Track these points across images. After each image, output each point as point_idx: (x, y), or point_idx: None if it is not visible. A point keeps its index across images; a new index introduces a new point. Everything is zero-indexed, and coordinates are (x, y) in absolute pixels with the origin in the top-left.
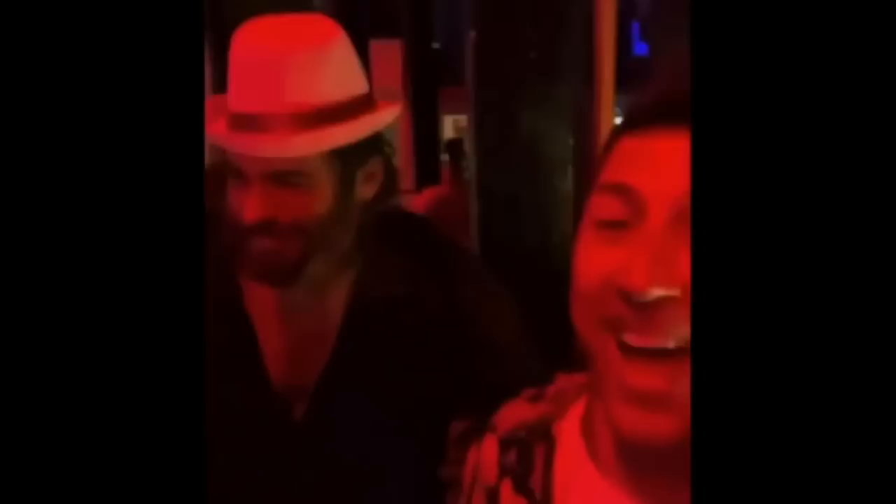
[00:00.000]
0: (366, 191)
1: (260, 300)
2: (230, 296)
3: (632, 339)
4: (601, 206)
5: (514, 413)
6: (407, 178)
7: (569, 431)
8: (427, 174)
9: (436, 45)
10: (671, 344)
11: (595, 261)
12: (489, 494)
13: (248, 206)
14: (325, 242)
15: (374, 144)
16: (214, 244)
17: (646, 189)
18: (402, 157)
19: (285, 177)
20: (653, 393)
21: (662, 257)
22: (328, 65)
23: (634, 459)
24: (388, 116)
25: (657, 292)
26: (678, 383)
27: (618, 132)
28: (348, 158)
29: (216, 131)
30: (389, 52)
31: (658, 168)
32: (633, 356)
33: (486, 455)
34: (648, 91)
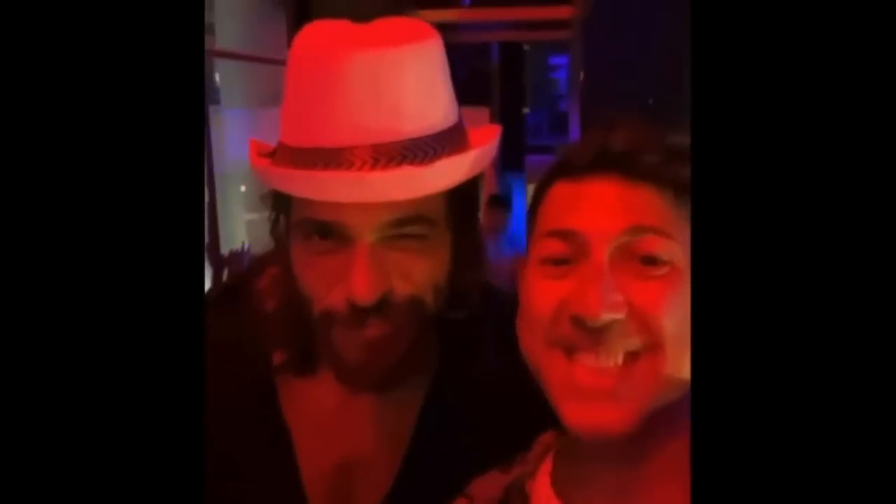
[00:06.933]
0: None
1: (311, 405)
2: (260, 397)
3: (584, 361)
4: (547, 247)
5: (490, 481)
6: None
7: (540, 487)
8: None
9: (526, 110)
10: (620, 360)
11: (547, 291)
12: None
13: (359, 279)
14: (430, 323)
15: (477, 184)
16: (231, 328)
17: (586, 230)
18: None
19: (402, 229)
20: (599, 390)
21: (609, 287)
22: (443, 77)
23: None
24: (494, 142)
25: (607, 316)
26: (623, 382)
27: (548, 181)
28: (462, 200)
29: (286, 176)
30: (478, 119)
31: (596, 211)
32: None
33: None
34: (581, 144)
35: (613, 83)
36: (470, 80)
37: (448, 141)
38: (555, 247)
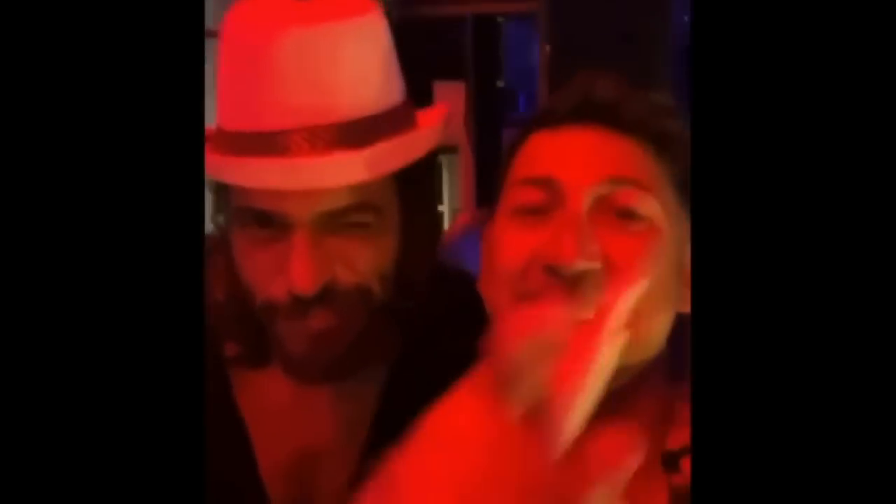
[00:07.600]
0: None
1: (266, 397)
2: (215, 391)
3: None
4: (521, 196)
5: None
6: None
7: None
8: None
9: (501, 84)
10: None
11: (518, 241)
12: None
13: (299, 269)
14: (384, 312)
15: (431, 168)
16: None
17: (564, 178)
18: (464, 200)
19: (345, 218)
20: None
21: (585, 235)
22: (384, 54)
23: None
24: (441, 123)
25: (583, 264)
26: None
27: (527, 130)
28: (413, 185)
29: (218, 163)
30: (454, 94)
31: (574, 159)
32: None
33: None
34: (565, 92)
35: (581, 57)
36: (443, 55)
37: (390, 122)
38: (529, 195)
